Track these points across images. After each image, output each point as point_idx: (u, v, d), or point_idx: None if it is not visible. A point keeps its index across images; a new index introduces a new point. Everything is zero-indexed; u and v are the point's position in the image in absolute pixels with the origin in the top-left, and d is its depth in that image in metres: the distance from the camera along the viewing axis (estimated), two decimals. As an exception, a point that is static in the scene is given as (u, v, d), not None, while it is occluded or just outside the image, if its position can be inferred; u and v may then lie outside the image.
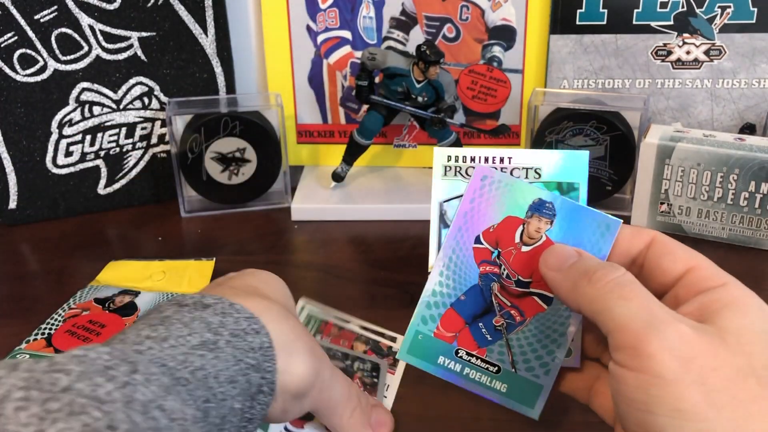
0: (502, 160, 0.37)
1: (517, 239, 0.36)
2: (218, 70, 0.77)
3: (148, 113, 0.76)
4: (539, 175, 0.37)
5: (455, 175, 0.37)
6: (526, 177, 0.37)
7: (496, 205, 0.35)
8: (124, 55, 0.73)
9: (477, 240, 0.36)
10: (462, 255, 0.36)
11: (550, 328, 0.36)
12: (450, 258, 0.36)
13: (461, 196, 0.36)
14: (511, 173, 0.37)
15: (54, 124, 0.72)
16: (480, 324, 0.37)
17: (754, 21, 0.73)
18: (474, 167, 0.36)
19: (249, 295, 0.38)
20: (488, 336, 0.37)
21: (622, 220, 0.36)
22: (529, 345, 0.36)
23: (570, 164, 0.37)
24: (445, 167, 0.37)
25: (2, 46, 0.68)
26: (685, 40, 0.74)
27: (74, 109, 0.72)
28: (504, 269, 0.36)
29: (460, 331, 0.37)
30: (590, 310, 0.32)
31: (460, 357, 0.37)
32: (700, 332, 0.29)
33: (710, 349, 0.29)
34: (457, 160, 0.37)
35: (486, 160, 0.37)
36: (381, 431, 0.42)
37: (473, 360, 0.37)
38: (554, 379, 0.37)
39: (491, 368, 0.37)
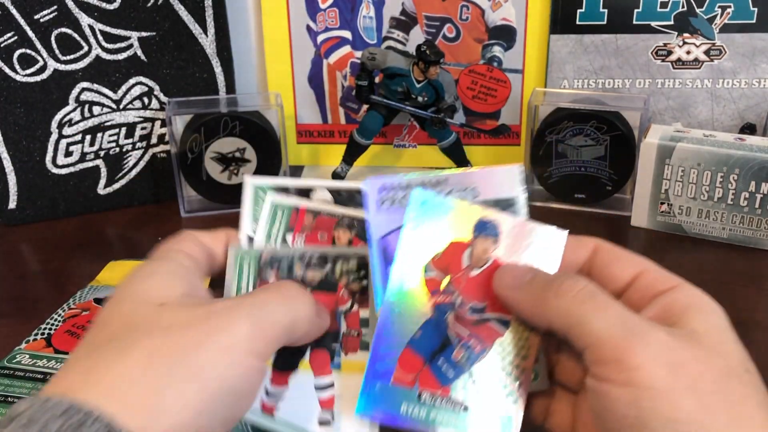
0: (438, 182, 0.35)
1: (466, 263, 0.34)
2: (218, 70, 0.76)
3: (147, 113, 0.76)
4: (477, 194, 0.36)
5: (392, 205, 0.35)
6: (465, 198, 0.35)
7: (439, 231, 0.34)
8: (124, 55, 0.73)
9: (425, 270, 0.34)
10: (411, 288, 0.34)
11: (511, 353, 0.34)
12: (399, 294, 0.34)
13: (401, 227, 0.34)
14: (450, 194, 0.35)
15: (54, 124, 0.72)
16: (440, 361, 0.34)
17: (754, 21, 0.73)
18: (409, 194, 0.34)
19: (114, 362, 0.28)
20: (450, 373, 0.34)
21: (567, 231, 0.34)
22: (493, 376, 0.34)
23: (505, 179, 0.35)
24: (380, 200, 0.35)
25: (2, 46, 0.68)
26: (686, 40, 0.74)
27: (74, 109, 0.72)
28: (456, 297, 0.34)
29: (419, 371, 0.34)
30: (562, 324, 0.30)
31: (424, 401, 0.34)
32: (679, 337, 0.29)
33: (693, 353, 0.28)
34: (392, 190, 0.35)
35: (423, 184, 0.35)
36: None
37: (438, 402, 0.34)
38: (523, 407, 0.34)
39: (458, 407, 0.34)
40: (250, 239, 0.38)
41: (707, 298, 0.32)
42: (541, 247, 0.34)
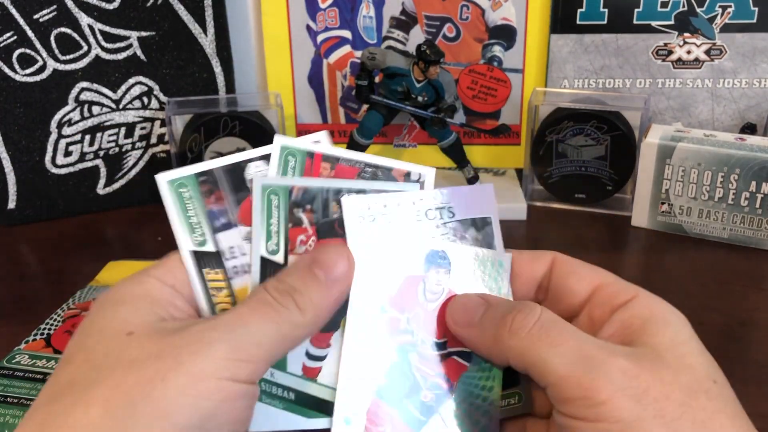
0: (414, 203, 0.34)
1: (421, 298, 0.33)
2: (218, 69, 0.76)
3: (147, 113, 0.75)
4: (453, 214, 0.35)
5: (372, 221, 0.34)
6: (441, 218, 0.34)
7: (392, 268, 0.33)
8: (124, 54, 0.73)
9: (382, 310, 0.33)
10: (370, 333, 0.33)
11: (478, 386, 0.33)
12: (358, 340, 0.32)
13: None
14: (426, 215, 0.34)
15: (53, 123, 0.72)
16: (409, 406, 0.33)
17: (754, 21, 0.73)
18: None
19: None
20: (421, 416, 0.32)
21: (511, 254, 0.34)
22: (464, 413, 0.33)
23: (479, 198, 0.35)
24: (360, 217, 0.33)
25: (1, 45, 0.68)
26: (686, 40, 0.74)
27: (73, 109, 0.72)
28: (417, 335, 0.33)
29: (391, 422, 0.32)
30: (520, 363, 0.30)
31: None
32: (640, 359, 0.28)
33: (656, 375, 0.28)
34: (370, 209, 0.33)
35: (398, 204, 0.34)
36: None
37: None
38: None
39: None
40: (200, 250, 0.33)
41: (666, 307, 0.31)
42: (491, 272, 0.33)
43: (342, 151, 0.34)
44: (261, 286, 0.31)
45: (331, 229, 0.33)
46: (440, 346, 0.33)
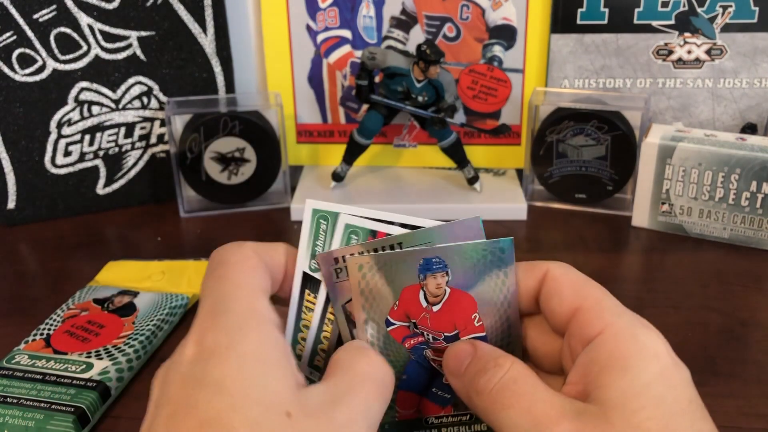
0: (392, 247, 0.33)
1: (424, 304, 0.34)
2: (217, 69, 0.76)
3: (147, 113, 0.75)
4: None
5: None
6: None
7: (387, 285, 0.33)
8: (123, 54, 0.72)
9: (388, 323, 0.34)
10: (383, 343, 0.34)
11: None
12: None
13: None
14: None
15: (53, 123, 0.72)
16: (434, 389, 0.35)
17: (755, 20, 0.73)
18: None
19: None
20: (447, 395, 0.35)
21: (512, 238, 0.34)
22: None
23: (467, 232, 0.34)
24: (335, 271, 0.34)
25: (1, 45, 0.68)
26: (687, 40, 0.74)
27: (73, 109, 0.72)
28: (428, 335, 0.34)
29: (419, 404, 0.35)
30: (486, 421, 0.30)
31: (431, 424, 0.35)
32: (586, 421, 0.27)
33: None
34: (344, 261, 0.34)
35: (375, 250, 0.34)
36: None
37: (444, 420, 0.35)
38: None
39: (464, 417, 0.35)
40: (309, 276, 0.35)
41: (630, 346, 0.29)
42: (492, 264, 0.33)
43: (405, 235, 0.35)
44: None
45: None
46: (453, 338, 0.34)
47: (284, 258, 0.34)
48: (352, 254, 0.33)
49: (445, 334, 0.34)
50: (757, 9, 0.72)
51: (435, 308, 0.34)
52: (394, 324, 0.34)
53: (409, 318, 0.34)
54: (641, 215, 0.69)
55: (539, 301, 0.33)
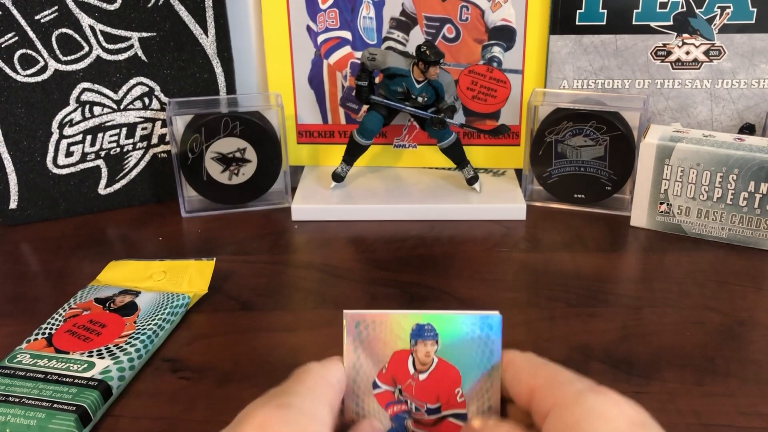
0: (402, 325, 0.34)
1: (412, 370, 0.34)
2: (218, 70, 0.77)
3: (148, 113, 0.76)
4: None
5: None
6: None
7: (380, 345, 0.34)
8: (125, 55, 0.73)
9: (375, 386, 0.34)
10: (367, 406, 0.34)
11: None
12: (357, 413, 0.34)
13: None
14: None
15: (54, 124, 0.72)
16: None
17: (753, 21, 0.73)
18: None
19: None
20: None
21: (501, 315, 0.34)
22: None
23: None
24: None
25: (3, 46, 0.68)
26: (685, 41, 0.75)
27: (75, 110, 0.73)
28: (411, 403, 0.34)
29: None
30: None
31: None
32: None
33: None
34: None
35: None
36: None
37: None
38: None
39: None
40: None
41: (581, 413, 0.29)
42: (479, 336, 0.34)
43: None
44: None
45: None
46: (435, 411, 0.34)
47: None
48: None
49: (428, 405, 0.34)
50: (755, 10, 0.73)
51: (422, 376, 0.34)
52: (380, 387, 0.34)
53: (395, 383, 0.34)
54: (640, 215, 0.70)
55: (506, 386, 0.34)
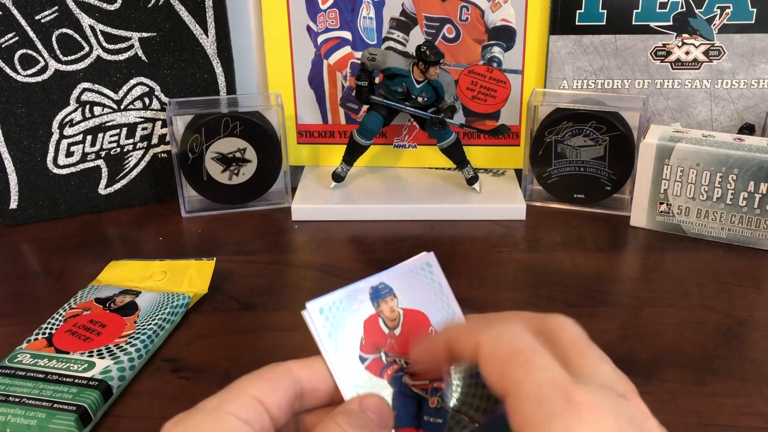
0: (359, 291, 0.36)
1: (386, 330, 0.35)
2: (219, 70, 0.77)
3: (148, 113, 0.76)
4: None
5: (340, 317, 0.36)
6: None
7: (348, 323, 0.35)
8: (125, 55, 0.73)
9: (362, 360, 0.35)
10: (365, 382, 0.35)
11: (467, 366, 0.36)
12: (357, 391, 0.35)
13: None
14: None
15: (55, 124, 0.72)
16: (425, 417, 0.36)
17: (753, 21, 0.73)
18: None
19: None
20: (438, 419, 0.36)
21: (432, 253, 0.36)
22: (469, 396, 0.36)
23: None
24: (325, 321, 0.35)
25: (3, 46, 0.68)
26: (685, 41, 0.75)
27: (75, 110, 0.73)
28: (400, 360, 0.36)
29: None
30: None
31: None
32: None
33: None
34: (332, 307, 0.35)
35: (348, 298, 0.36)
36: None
37: None
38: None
39: None
40: None
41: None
42: (426, 276, 0.36)
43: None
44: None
45: None
46: None
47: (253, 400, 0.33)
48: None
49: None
50: (755, 10, 0.73)
51: (396, 332, 0.35)
52: (367, 358, 0.35)
53: (377, 349, 0.35)
54: (639, 215, 0.70)
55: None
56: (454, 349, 0.32)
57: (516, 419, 0.26)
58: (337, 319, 0.35)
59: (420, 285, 0.36)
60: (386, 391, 0.35)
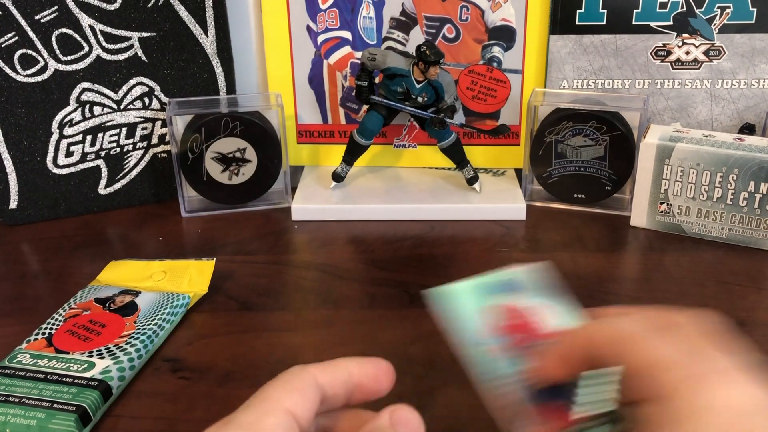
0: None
1: (510, 322, 0.38)
2: (218, 70, 0.77)
3: (148, 113, 0.76)
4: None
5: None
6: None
7: (474, 311, 0.38)
8: (125, 55, 0.73)
9: (497, 341, 0.37)
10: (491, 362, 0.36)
11: None
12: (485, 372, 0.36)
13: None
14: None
15: (55, 124, 0.72)
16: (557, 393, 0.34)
17: (753, 21, 0.73)
18: None
19: None
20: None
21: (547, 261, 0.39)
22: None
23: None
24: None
25: (3, 46, 0.68)
26: (685, 41, 0.75)
27: (75, 110, 0.73)
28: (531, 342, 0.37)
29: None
30: None
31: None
32: None
33: None
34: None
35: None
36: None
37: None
38: None
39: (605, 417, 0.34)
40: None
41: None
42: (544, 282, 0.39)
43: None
44: None
45: None
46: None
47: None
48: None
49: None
50: (755, 10, 0.73)
51: (518, 326, 0.37)
52: (503, 338, 0.37)
53: (526, 338, 0.37)
54: (640, 215, 0.70)
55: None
56: (595, 353, 0.33)
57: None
58: (463, 306, 0.37)
59: (541, 285, 0.39)
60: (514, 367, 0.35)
